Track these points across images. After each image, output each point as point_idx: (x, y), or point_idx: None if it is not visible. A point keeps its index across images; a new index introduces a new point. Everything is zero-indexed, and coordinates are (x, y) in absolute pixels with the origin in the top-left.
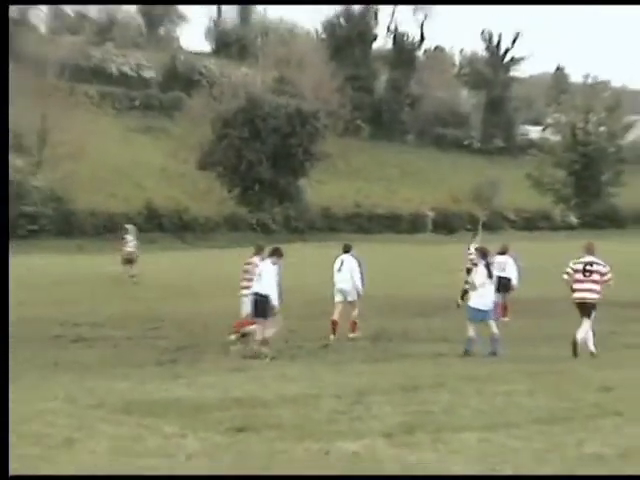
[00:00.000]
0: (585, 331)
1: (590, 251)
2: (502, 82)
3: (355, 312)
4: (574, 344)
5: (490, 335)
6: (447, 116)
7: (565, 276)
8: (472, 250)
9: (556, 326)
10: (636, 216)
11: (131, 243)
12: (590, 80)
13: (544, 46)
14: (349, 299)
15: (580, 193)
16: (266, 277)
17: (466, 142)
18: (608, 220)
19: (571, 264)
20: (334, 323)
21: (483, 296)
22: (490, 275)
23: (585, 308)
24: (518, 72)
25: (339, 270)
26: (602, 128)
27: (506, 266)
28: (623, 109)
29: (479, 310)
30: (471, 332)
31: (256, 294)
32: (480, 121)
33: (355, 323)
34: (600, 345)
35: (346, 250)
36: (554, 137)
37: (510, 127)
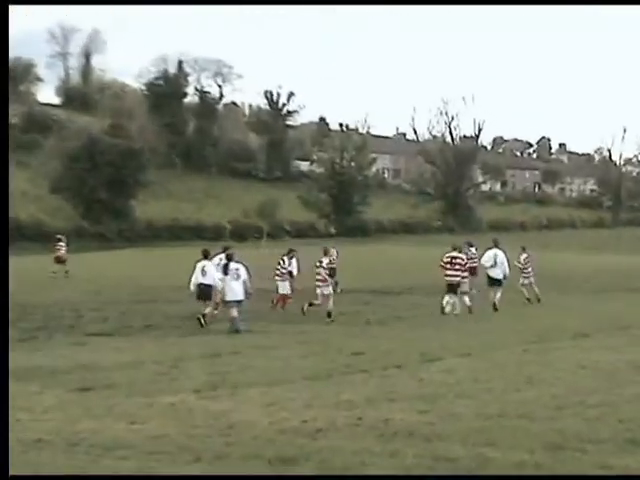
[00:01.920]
0: (453, 302)
1: (455, 249)
2: (280, 128)
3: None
4: (442, 309)
5: (233, 317)
6: (240, 153)
7: (441, 264)
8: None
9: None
10: (378, 227)
11: (63, 249)
12: (344, 128)
13: (311, 101)
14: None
15: (337, 210)
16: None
17: (254, 172)
18: (358, 230)
19: (443, 258)
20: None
21: (235, 290)
22: (228, 274)
23: (452, 286)
24: (292, 121)
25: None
26: (353, 163)
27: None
28: (368, 149)
29: (235, 301)
30: (234, 313)
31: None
32: (264, 157)
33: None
34: (348, 321)
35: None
36: (318, 169)
37: (286, 161)
